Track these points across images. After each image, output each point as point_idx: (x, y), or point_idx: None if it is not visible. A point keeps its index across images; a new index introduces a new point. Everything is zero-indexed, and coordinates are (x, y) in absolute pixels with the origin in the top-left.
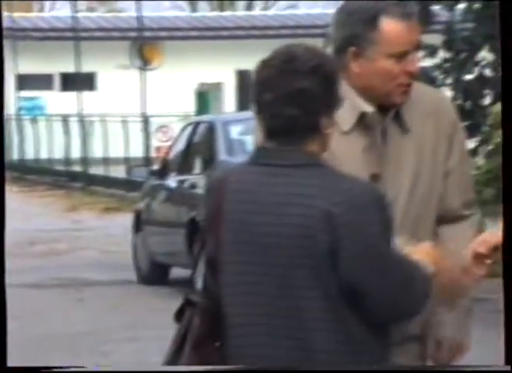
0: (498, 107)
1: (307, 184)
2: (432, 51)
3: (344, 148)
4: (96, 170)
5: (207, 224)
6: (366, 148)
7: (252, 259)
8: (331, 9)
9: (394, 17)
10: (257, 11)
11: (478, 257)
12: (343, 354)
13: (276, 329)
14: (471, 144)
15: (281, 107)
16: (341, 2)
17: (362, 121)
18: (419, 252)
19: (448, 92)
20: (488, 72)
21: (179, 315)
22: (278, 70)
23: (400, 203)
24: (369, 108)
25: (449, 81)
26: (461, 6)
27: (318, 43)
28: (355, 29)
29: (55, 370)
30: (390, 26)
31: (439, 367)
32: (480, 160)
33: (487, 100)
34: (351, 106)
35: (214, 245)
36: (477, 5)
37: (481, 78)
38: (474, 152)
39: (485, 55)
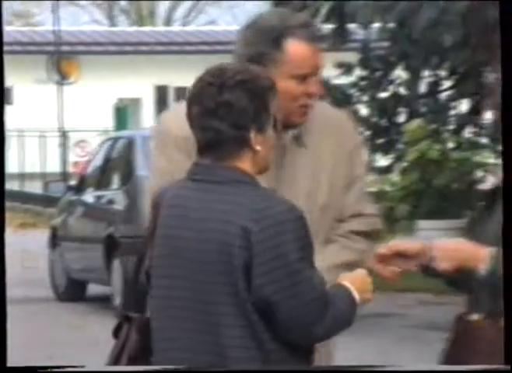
0: (412, 125)
1: (229, 201)
2: (348, 69)
3: None
4: (12, 185)
5: (146, 240)
6: None
7: (177, 273)
8: None
9: (300, 39)
10: (176, 26)
11: (381, 259)
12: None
13: (197, 344)
14: (386, 161)
15: (208, 120)
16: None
17: None
18: (355, 279)
19: (364, 110)
20: (402, 90)
21: (116, 331)
22: (206, 83)
23: None
24: None
25: (365, 98)
26: (377, 25)
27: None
28: (261, 48)
29: (55, 370)
30: (295, 47)
31: (438, 367)
32: (395, 177)
33: (402, 118)
34: None
35: (150, 260)
36: (392, 25)
37: (396, 96)
38: (389, 169)
39: (400, 73)
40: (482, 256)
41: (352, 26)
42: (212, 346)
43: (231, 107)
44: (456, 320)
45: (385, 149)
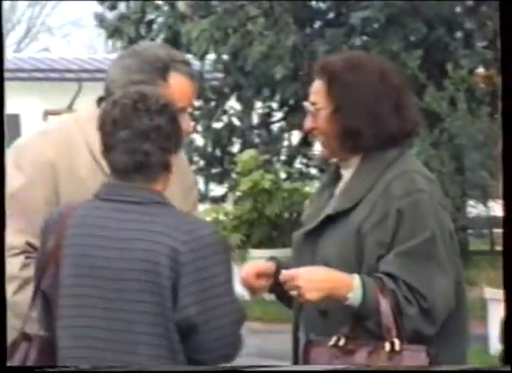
0: (245, 155)
1: (155, 221)
2: None
3: None
4: None
5: (44, 259)
6: None
7: (90, 293)
8: (84, 54)
9: (183, 74)
10: (10, 53)
11: (246, 279)
12: None
13: (111, 362)
14: (220, 190)
15: (139, 144)
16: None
17: None
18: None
19: (199, 140)
20: (236, 121)
21: (12, 350)
22: (132, 108)
23: None
24: None
25: (199, 128)
26: (211, 57)
27: (72, 86)
28: (144, 77)
29: (55, 370)
30: (177, 81)
31: (438, 367)
32: (229, 206)
33: (235, 148)
34: None
35: (51, 280)
36: (225, 57)
37: (229, 126)
38: (223, 198)
39: (233, 104)
40: (350, 284)
41: (187, 56)
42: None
43: (161, 131)
44: (305, 346)
45: (219, 179)
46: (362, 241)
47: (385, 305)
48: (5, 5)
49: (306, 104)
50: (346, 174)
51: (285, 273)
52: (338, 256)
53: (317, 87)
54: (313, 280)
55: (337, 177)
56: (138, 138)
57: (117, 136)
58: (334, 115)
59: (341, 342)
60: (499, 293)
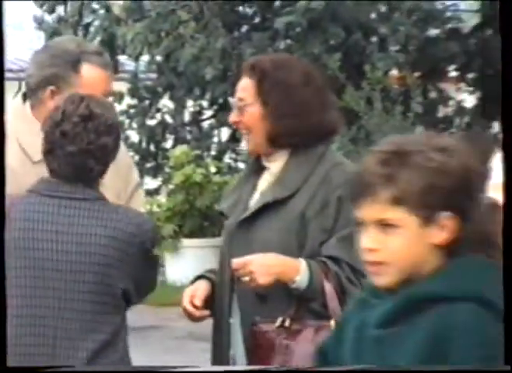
0: (177, 151)
1: (102, 217)
2: (119, 98)
3: (33, 178)
4: None
5: None
6: None
7: (42, 284)
8: (25, 55)
9: (94, 65)
10: None
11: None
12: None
13: (57, 349)
14: (155, 183)
15: (82, 159)
16: None
17: None
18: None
19: (134, 136)
20: (168, 118)
21: None
22: (82, 127)
23: None
24: None
25: (134, 125)
26: (145, 58)
27: (14, 85)
28: (57, 70)
29: (55, 370)
30: (90, 72)
31: (438, 367)
32: (162, 198)
33: (169, 144)
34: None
35: None
36: (159, 58)
37: (163, 123)
38: (157, 191)
39: (166, 103)
40: (298, 268)
41: (122, 58)
42: (76, 351)
43: (106, 149)
44: (251, 330)
45: (153, 173)
46: (305, 227)
47: (329, 287)
48: None
49: (232, 100)
50: (273, 167)
51: (236, 262)
52: (278, 241)
53: (246, 84)
54: (265, 265)
55: (258, 169)
56: (84, 155)
57: (65, 149)
58: (263, 113)
59: (287, 323)
60: None
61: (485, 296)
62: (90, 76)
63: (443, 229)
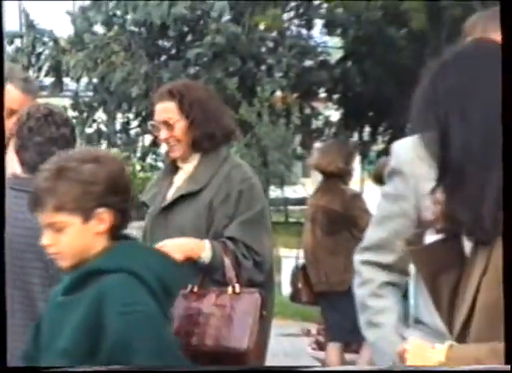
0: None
1: None
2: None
3: None
4: None
5: None
6: None
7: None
8: None
9: (16, 87)
10: None
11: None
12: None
13: (23, 329)
14: None
15: (47, 147)
16: None
17: None
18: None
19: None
20: (103, 127)
21: None
22: (44, 120)
23: None
24: None
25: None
26: (85, 80)
27: None
28: None
29: (55, 370)
30: (9, 91)
31: (439, 368)
32: None
33: (103, 148)
34: None
35: None
36: (95, 80)
37: (98, 131)
38: None
39: (101, 115)
40: (203, 247)
41: (66, 80)
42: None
43: (65, 138)
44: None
45: None
46: (212, 214)
47: (228, 261)
48: None
49: (152, 123)
50: (186, 167)
51: (155, 246)
52: (192, 225)
53: (169, 106)
54: (177, 244)
55: (174, 169)
56: (48, 143)
57: (32, 140)
58: (188, 125)
59: (195, 289)
60: (290, 252)
61: (133, 268)
62: (8, 95)
63: (101, 222)
